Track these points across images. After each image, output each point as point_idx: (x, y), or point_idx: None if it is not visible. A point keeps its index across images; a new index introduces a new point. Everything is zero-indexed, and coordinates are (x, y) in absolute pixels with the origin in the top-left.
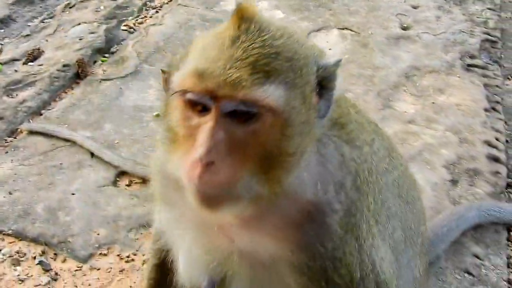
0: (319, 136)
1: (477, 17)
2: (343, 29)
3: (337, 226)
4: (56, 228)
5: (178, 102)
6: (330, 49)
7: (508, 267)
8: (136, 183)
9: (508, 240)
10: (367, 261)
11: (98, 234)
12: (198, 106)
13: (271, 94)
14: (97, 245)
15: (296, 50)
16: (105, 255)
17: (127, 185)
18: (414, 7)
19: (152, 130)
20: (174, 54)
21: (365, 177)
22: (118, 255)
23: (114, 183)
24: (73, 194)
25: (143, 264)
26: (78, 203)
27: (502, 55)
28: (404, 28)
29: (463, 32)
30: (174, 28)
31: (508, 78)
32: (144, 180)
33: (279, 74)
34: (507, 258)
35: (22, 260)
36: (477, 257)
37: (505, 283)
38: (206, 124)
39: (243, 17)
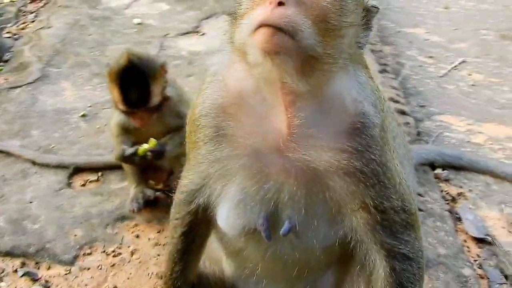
0: (348, 68)
1: None
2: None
3: (378, 138)
4: (28, 237)
5: None
6: (225, 34)
7: (443, 198)
8: (90, 181)
9: (435, 177)
10: (399, 168)
11: (76, 235)
12: None
13: None
14: (78, 246)
15: None
16: (89, 254)
17: (82, 185)
18: None
19: (85, 130)
20: (76, 54)
21: (383, 103)
22: (103, 251)
23: (68, 185)
24: (30, 202)
25: (131, 255)
26: (40, 209)
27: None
28: None
29: None
30: (65, 29)
31: None
32: (98, 178)
33: None
34: (440, 192)
35: (3, 276)
36: (420, 195)
37: (447, 212)
38: None
39: None
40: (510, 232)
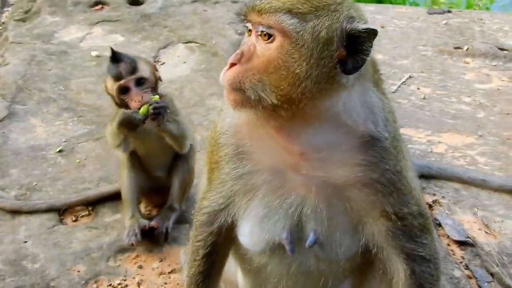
0: (354, 88)
1: None
2: (187, 42)
3: (391, 148)
4: (31, 277)
5: None
6: (184, 62)
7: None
8: (82, 216)
9: None
10: (412, 175)
11: (79, 271)
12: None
13: (280, 17)
14: (83, 282)
15: (328, 5)
16: None
17: (74, 221)
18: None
19: (65, 165)
20: (39, 90)
21: (395, 116)
22: (109, 285)
23: (61, 221)
24: (25, 242)
25: (138, 286)
26: (37, 248)
27: None
28: (241, 34)
29: None
30: (23, 65)
31: None
32: (90, 212)
33: (301, 13)
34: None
35: None
36: None
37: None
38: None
39: None
40: (487, 233)
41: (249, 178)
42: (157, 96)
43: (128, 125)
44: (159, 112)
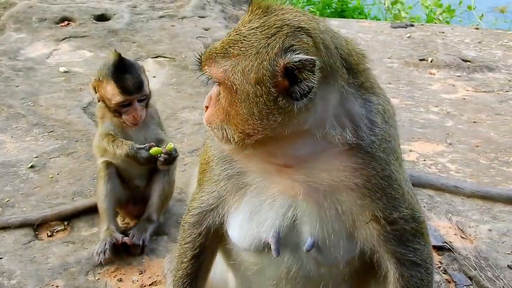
0: (323, 103)
1: None
2: (156, 57)
3: (380, 152)
4: None
5: None
6: (154, 76)
7: None
8: (57, 231)
9: None
10: (406, 176)
11: (57, 286)
12: None
13: (214, 67)
14: None
15: (259, 39)
16: None
17: (50, 236)
18: (206, 29)
19: (38, 181)
20: (8, 106)
21: (389, 113)
22: None
23: (36, 237)
24: (0, 258)
25: None
26: (13, 264)
27: None
28: None
29: None
30: None
31: None
32: (65, 226)
33: (231, 55)
34: None
35: None
36: None
37: None
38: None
39: (249, 10)
40: (462, 238)
41: (239, 178)
42: (171, 145)
43: (135, 160)
44: (172, 162)
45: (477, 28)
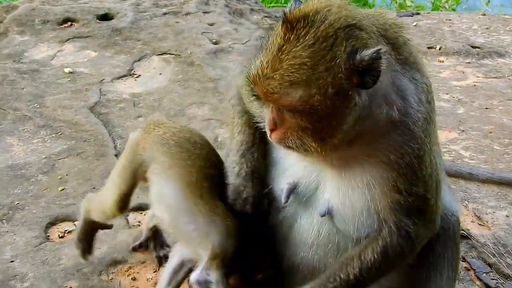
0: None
1: (262, 24)
2: (161, 54)
3: (420, 131)
4: None
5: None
6: (160, 73)
7: None
8: (69, 232)
9: None
10: (433, 161)
11: None
12: None
13: (291, 98)
14: None
15: (324, 54)
16: None
17: (61, 237)
18: (211, 25)
19: (47, 183)
20: (14, 109)
21: (431, 94)
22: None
23: (47, 238)
24: (12, 261)
25: None
26: (25, 267)
27: None
28: (215, 43)
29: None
30: None
31: None
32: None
33: (301, 81)
34: None
35: None
36: None
37: None
38: (267, 109)
39: (288, 26)
40: (480, 225)
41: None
42: None
43: None
44: None
45: (484, 14)
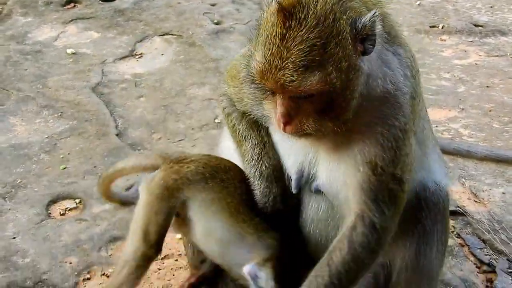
0: (372, 57)
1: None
2: (163, 35)
3: (407, 105)
4: (23, 272)
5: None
6: (162, 54)
7: None
8: (70, 209)
9: None
10: (413, 140)
11: (71, 263)
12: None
13: (310, 83)
14: (76, 273)
15: (330, 31)
16: (89, 279)
17: (62, 214)
18: (213, 5)
19: (49, 162)
20: (17, 90)
21: (416, 69)
22: (102, 274)
23: (48, 216)
24: (14, 238)
25: None
26: (27, 243)
27: None
28: (217, 23)
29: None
30: (0, 66)
31: None
32: (77, 205)
33: (316, 62)
34: None
35: None
36: None
37: None
38: (278, 102)
39: (285, 14)
40: (476, 202)
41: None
42: None
43: None
44: None
45: None
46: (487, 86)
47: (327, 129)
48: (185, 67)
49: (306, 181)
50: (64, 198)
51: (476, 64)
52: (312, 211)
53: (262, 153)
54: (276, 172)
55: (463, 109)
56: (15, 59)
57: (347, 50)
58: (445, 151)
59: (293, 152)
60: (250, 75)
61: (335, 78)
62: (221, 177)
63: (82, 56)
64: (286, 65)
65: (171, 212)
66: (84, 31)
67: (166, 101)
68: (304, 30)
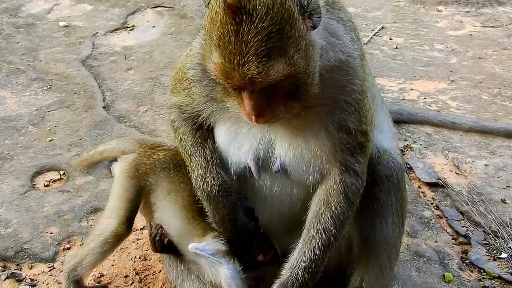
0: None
1: None
2: (155, 7)
3: (359, 69)
4: (4, 241)
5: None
6: (153, 26)
7: None
8: (54, 181)
9: None
10: (369, 95)
11: (52, 233)
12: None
13: (277, 70)
14: (56, 243)
15: (281, 15)
16: (69, 248)
17: (46, 186)
18: None
19: (36, 134)
20: (8, 63)
21: (357, 31)
22: (82, 244)
23: (33, 187)
24: None
25: None
26: (10, 214)
27: None
28: None
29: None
30: None
31: None
32: (61, 176)
33: (277, 49)
34: None
35: None
36: None
37: None
38: (246, 97)
39: (233, 10)
40: (457, 174)
41: (220, 113)
42: None
43: None
44: None
45: None
46: (480, 58)
47: (297, 109)
48: (176, 40)
49: (264, 165)
50: (49, 170)
51: (470, 35)
52: (269, 190)
53: (206, 173)
54: (222, 192)
55: (453, 80)
56: (7, 32)
57: (300, 29)
58: (431, 123)
59: (246, 141)
60: (209, 77)
61: (298, 59)
62: (184, 171)
63: (74, 29)
64: (249, 59)
65: (140, 191)
66: (77, 4)
67: (154, 74)
68: (256, 21)
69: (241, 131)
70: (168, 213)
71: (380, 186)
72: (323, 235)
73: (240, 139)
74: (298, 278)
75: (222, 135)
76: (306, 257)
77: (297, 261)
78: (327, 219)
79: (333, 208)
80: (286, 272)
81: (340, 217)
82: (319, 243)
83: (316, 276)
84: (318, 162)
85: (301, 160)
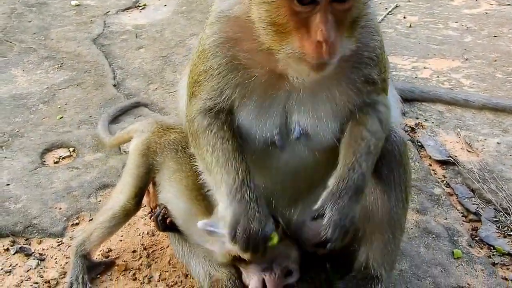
0: None
1: None
2: None
3: (377, 26)
4: (14, 217)
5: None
6: (165, 5)
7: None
8: (63, 158)
9: None
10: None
11: (61, 209)
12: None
13: None
14: (65, 218)
15: None
16: (77, 224)
17: (56, 162)
18: None
19: (46, 111)
20: (20, 42)
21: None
22: (91, 219)
23: (42, 164)
24: (8, 184)
25: None
26: (20, 189)
27: None
28: None
29: None
30: (3, 19)
31: None
32: (71, 153)
33: None
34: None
35: None
36: None
37: (409, 141)
38: (318, 14)
39: None
40: (469, 151)
41: (244, 86)
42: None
43: None
44: None
45: None
46: (495, 36)
47: (351, 45)
48: (187, 18)
49: (284, 134)
50: (59, 146)
51: (486, 13)
52: (289, 158)
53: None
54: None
55: (467, 59)
56: (19, 11)
57: None
58: (443, 101)
59: (268, 116)
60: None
61: None
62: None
63: (85, 8)
64: None
65: (150, 169)
66: None
67: (165, 52)
68: None
69: (264, 106)
70: (172, 193)
71: (382, 160)
72: (362, 144)
73: (263, 115)
74: (346, 185)
75: (245, 117)
76: (352, 166)
77: (342, 171)
78: (364, 133)
79: (367, 126)
80: (333, 183)
81: (376, 134)
82: (360, 152)
83: (364, 184)
84: (343, 115)
85: (324, 118)
